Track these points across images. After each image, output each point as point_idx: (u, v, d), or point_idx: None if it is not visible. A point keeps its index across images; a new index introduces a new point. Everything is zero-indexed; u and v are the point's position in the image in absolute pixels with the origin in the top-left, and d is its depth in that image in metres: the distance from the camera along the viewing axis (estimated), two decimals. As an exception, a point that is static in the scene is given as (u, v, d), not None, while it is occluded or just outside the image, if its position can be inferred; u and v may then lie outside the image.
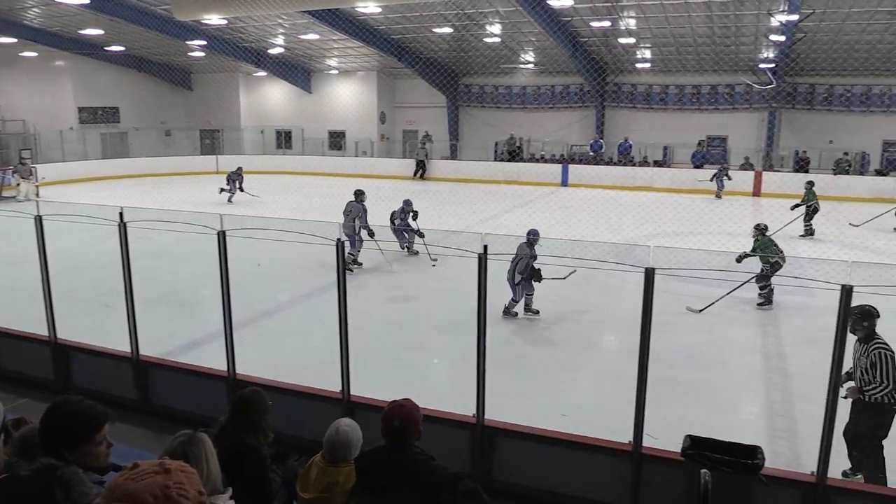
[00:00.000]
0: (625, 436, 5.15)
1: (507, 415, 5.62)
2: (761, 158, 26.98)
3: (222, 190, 21.55)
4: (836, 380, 4.60)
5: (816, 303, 10.00)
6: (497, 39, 26.46)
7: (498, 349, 6.97)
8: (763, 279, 10.47)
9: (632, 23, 23.64)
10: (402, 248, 13.92)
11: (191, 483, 1.64)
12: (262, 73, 33.39)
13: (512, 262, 9.52)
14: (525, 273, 9.57)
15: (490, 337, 5.38)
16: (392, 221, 13.49)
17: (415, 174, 28.68)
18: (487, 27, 25.16)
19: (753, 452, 4.71)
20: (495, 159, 30.09)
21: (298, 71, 33.98)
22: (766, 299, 10.55)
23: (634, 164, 27.79)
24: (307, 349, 8.47)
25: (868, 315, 5.44)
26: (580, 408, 7.05)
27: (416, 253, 13.76)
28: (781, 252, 10.26)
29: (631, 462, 5.10)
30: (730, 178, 23.55)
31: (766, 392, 7.77)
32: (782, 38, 22.26)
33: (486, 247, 5.08)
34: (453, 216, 15.36)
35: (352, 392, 5.89)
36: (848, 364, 5.24)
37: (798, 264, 10.32)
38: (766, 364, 8.49)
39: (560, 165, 27.66)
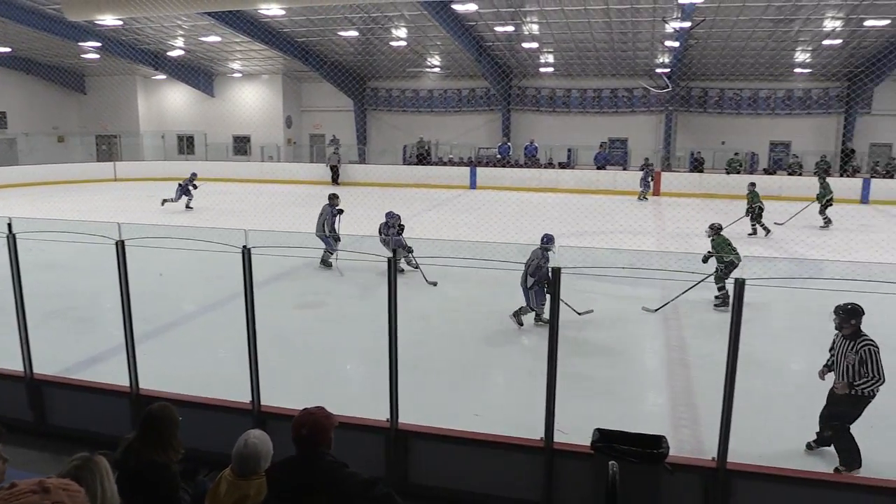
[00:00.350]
0: (537, 432, 5.24)
1: (422, 417, 5.63)
2: (660, 159, 28.09)
3: (165, 201, 20.81)
4: (732, 369, 4.82)
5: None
6: (403, 43, 26.51)
7: (411, 352, 6.97)
8: (720, 280, 10.53)
9: (535, 28, 24.17)
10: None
11: (74, 502, 1.56)
12: (162, 76, 32.27)
13: (525, 266, 9.36)
14: (537, 277, 9.25)
15: (403, 340, 5.37)
16: (381, 233, 12.44)
17: (333, 180, 28.30)
18: (393, 31, 25.17)
19: (658, 442, 4.88)
20: (404, 163, 30.14)
21: (200, 74, 33.03)
22: (723, 300, 10.56)
23: (540, 166, 28.42)
24: (215, 360, 8.24)
25: (854, 313, 5.74)
26: (493, 406, 7.13)
27: (417, 267, 12.16)
28: (736, 251, 10.49)
29: (543, 458, 5.19)
30: (653, 179, 24.37)
31: (669, 383, 8.07)
32: (676, 44, 23.22)
33: (395, 251, 5.07)
34: (364, 220, 15.18)
35: (262, 402, 5.76)
36: (816, 356, 5.60)
37: (696, 259, 10.75)
38: (670, 356, 8.82)
39: (468, 168, 27.99)
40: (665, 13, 20.82)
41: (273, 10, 20.34)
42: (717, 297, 10.67)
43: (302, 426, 3.37)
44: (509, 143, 29.74)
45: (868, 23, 21.00)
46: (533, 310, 9.58)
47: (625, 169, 28.26)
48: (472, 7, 20.40)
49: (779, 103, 28.78)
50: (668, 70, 26.56)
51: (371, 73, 32.23)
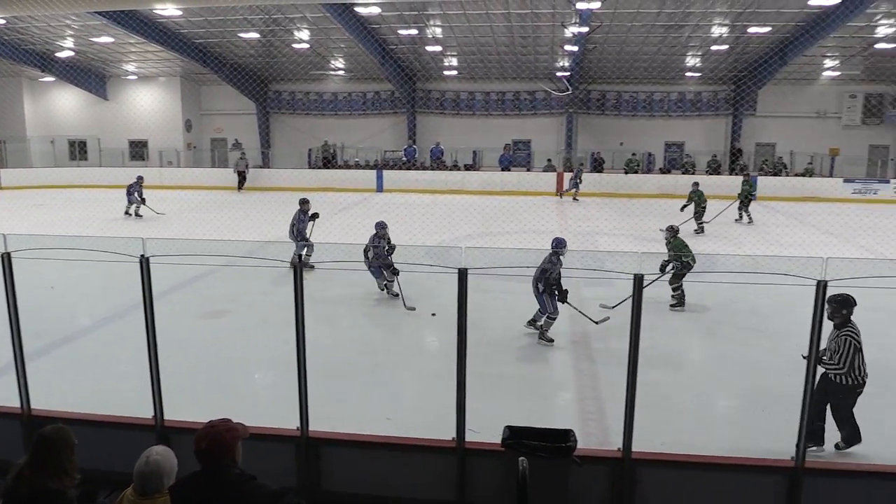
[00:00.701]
0: (449, 433, 5.28)
1: (333, 424, 5.58)
2: (562, 160, 28.82)
3: (128, 211, 19.98)
4: (634, 362, 5.00)
5: (615, 292, 10.79)
6: (306, 46, 26.19)
7: (321, 357, 6.89)
8: (675, 280, 10.57)
9: (438, 31, 24.36)
10: (381, 289, 11.25)
11: None
12: (50, 78, 30.63)
13: (536, 271, 9.17)
14: (542, 282, 8.97)
15: (312, 345, 5.31)
16: (366, 255, 10.87)
17: (239, 186, 27.53)
18: (296, 33, 24.82)
19: (567, 436, 5.01)
20: (309, 167, 29.75)
21: (92, 76, 31.55)
22: (679, 301, 10.68)
23: (446, 168, 28.64)
24: (115, 375, 7.90)
25: (846, 303, 5.95)
26: (404, 410, 7.14)
27: (396, 295, 10.94)
28: (691, 253, 10.56)
29: (455, 458, 5.24)
30: (580, 181, 24.81)
31: (576, 378, 8.29)
32: (575, 49, 23.90)
33: (300, 256, 5.00)
34: (268, 225, 14.93)
35: (166, 417, 5.56)
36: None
37: (597, 257, 11.07)
38: (576, 352, 9.06)
39: (374, 171, 27.90)
40: (564, 18, 21.39)
41: (169, 11, 19.67)
42: (673, 297, 10.71)
43: (202, 440, 3.27)
44: (415, 146, 29.86)
45: (751, 29, 22.24)
46: (547, 315, 9.23)
47: (528, 170, 28.89)
48: (376, 10, 20.37)
49: (672, 105, 30.09)
50: (568, 73, 27.29)
51: (274, 76, 31.64)
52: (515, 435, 5.01)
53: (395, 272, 10.51)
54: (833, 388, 6.01)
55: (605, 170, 28.24)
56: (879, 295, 9.82)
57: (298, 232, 12.98)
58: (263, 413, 5.64)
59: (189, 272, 12.17)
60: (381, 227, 11.00)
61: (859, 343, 5.92)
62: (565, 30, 21.99)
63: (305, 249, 12.65)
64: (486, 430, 5.48)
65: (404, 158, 29.36)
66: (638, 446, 5.13)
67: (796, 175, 27.79)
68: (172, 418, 5.60)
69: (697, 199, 18.11)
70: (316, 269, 11.59)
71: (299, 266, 5.04)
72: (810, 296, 4.75)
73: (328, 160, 29.45)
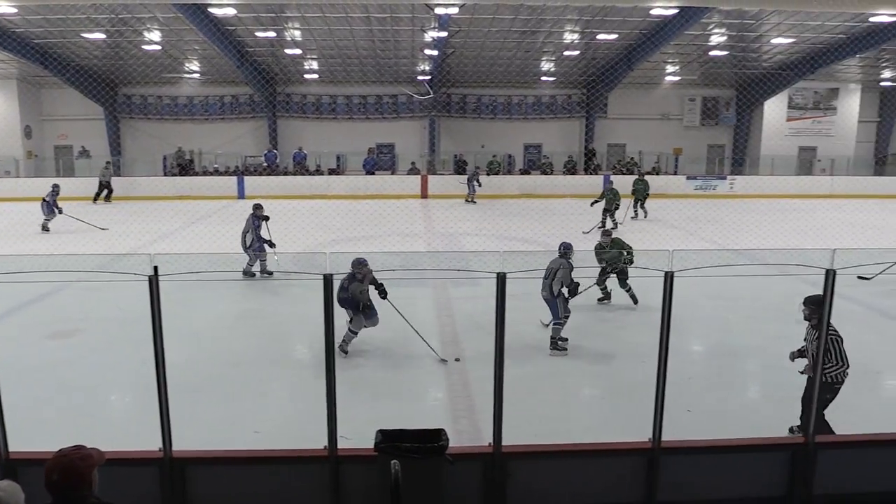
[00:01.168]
0: (321, 442, 5.21)
1: (200, 442, 5.36)
2: (426, 163, 29.16)
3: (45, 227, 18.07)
4: (500, 357, 5.13)
5: (481, 291, 11.04)
6: (157, 47, 24.98)
7: (183, 374, 6.61)
8: (623, 275, 10.67)
9: (297, 34, 23.97)
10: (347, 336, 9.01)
11: None
12: None
13: (545, 278, 9.07)
14: (562, 285, 8.94)
15: (172, 363, 5.07)
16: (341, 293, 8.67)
17: (96, 196, 25.32)
18: (146, 34, 23.61)
19: (438, 435, 5.08)
20: (164, 174, 28.43)
21: None
22: (607, 296, 11.04)
23: (310, 173, 28.24)
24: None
25: (822, 305, 5.93)
26: (274, 422, 6.98)
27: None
28: (630, 247, 10.71)
29: (328, 466, 5.18)
30: (479, 185, 24.91)
31: (446, 377, 8.41)
32: (435, 53, 24.24)
33: (156, 268, 4.77)
34: (121, 237, 14.16)
35: (11, 449, 5.13)
36: (788, 343, 6.18)
37: (462, 258, 11.29)
38: (445, 352, 9.18)
39: (235, 178, 27.05)
40: (423, 23, 21.64)
41: (3, 8, 18.14)
42: (630, 297, 10.95)
43: (53, 471, 3.05)
44: (276, 151, 29.23)
45: (600, 36, 23.45)
46: (560, 323, 9.13)
47: (393, 173, 29.01)
48: (231, 11, 19.76)
49: (529, 108, 31.18)
50: (429, 77, 27.63)
51: (123, 79, 29.92)
52: (388, 438, 5.02)
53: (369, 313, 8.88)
54: (822, 386, 6.15)
55: (467, 171, 28.83)
56: (720, 283, 10.66)
57: (257, 238, 12.51)
58: (122, 436, 5.34)
59: (33, 290, 11.34)
60: (358, 265, 8.75)
61: (841, 339, 6.21)
62: (425, 34, 22.26)
63: (256, 256, 12.16)
64: (358, 436, 5.46)
65: (265, 164, 28.66)
66: (509, 440, 5.28)
67: (646, 173, 29.44)
68: (18, 449, 5.18)
69: (612, 197, 18.88)
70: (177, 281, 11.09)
71: (155, 279, 4.80)
72: (661, 286, 5.09)
73: (184, 167, 28.24)
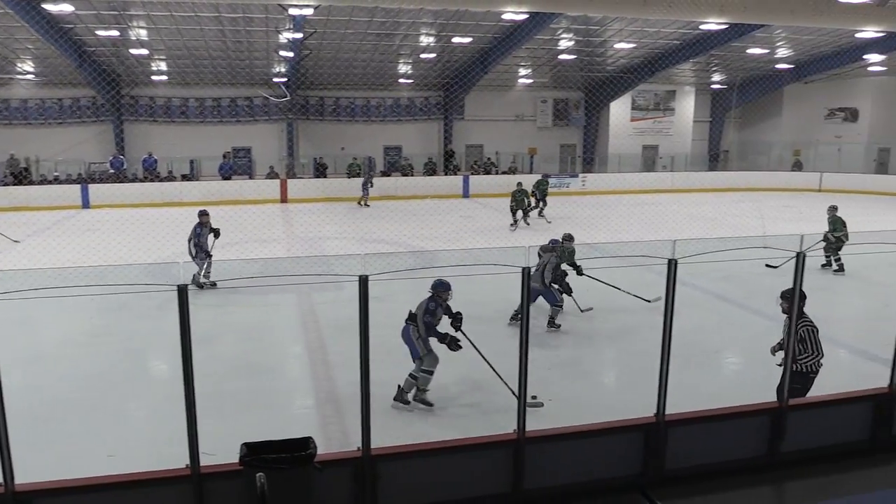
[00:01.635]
0: (182, 461, 4.99)
1: (48, 472, 4.97)
2: (284, 167, 28.57)
3: None
4: (365, 360, 5.12)
5: (345, 295, 10.98)
6: (-17, 46, 22.97)
7: (23, 400, 6.11)
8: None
9: (143, 33, 22.73)
10: None
11: None
12: None
13: (536, 269, 9.70)
14: (549, 277, 9.84)
15: (10, 388, 4.67)
16: None
17: None
18: (-31, 32, 21.65)
19: (306, 444, 4.99)
20: (-2, 184, 26.19)
21: None
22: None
23: (161, 180, 26.93)
24: None
25: (800, 297, 6.25)
26: (130, 444, 6.61)
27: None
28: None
29: (191, 485, 4.96)
30: (372, 185, 24.58)
31: (314, 384, 8.30)
32: (291, 54, 23.81)
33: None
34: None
35: None
36: (770, 335, 6.24)
37: (325, 262, 11.18)
38: (312, 358, 9.06)
39: (79, 186, 25.32)
40: (278, 24, 21.19)
41: None
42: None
43: None
44: (122, 157, 27.62)
45: (455, 39, 23.90)
46: (559, 306, 10.00)
47: (251, 178, 28.21)
48: (69, 8, 18.46)
49: (388, 111, 31.29)
50: (285, 79, 27.10)
51: (-57, 80, 27.28)
52: (253, 451, 4.89)
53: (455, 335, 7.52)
54: (796, 377, 6.44)
55: (328, 175, 28.56)
56: (572, 276, 11.16)
57: (197, 245, 12.08)
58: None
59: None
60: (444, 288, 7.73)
61: (816, 329, 6.51)
62: (280, 35, 21.81)
63: (205, 265, 11.48)
64: (223, 451, 5.27)
65: (112, 171, 27.03)
66: (379, 442, 5.28)
67: (503, 173, 30.41)
68: None
69: (521, 198, 19.65)
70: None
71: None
72: (517, 281, 5.28)
73: (19, 176, 26.10)
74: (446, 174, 29.63)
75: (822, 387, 6.63)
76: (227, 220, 17.44)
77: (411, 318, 7.57)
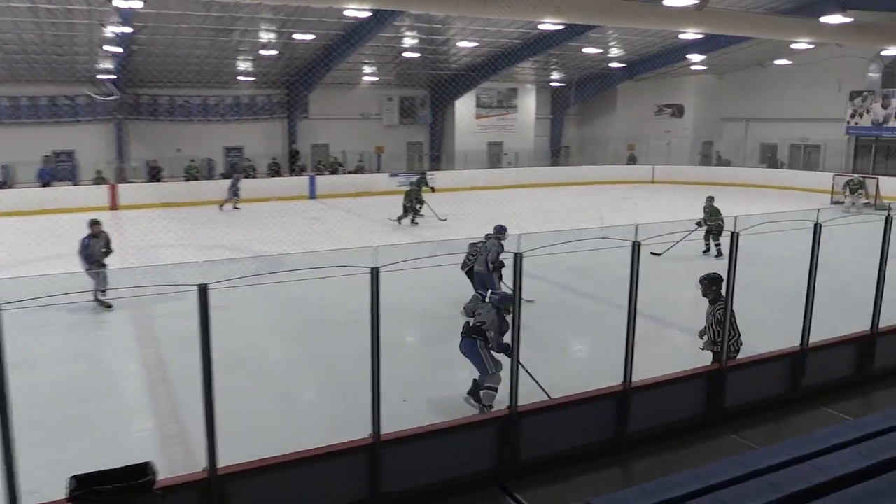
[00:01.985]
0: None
1: None
2: (114, 171, 26.68)
3: None
4: (208, 374, 4.80)
5: (186, 306, 10.34)
6: None
7: None
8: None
9: (-60, 25, 20.42)
10: None
11: None
12: None
13: (480, 254, 10.36)
14: (496, 264, 10.22)
15: None
16: None
17: None
18: None
19: (143, 471, 4.57)
20: None
21: None
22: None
23: (-32, 188, 24.28)
24: None
25: (715, 280, 6.82)
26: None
27: None
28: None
29: (10, 530, 4.43)
30: (240, 188, 23.86)
31: (154, 404, 7.73)
32: (119, 50, 22.29)
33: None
34: None
35: None
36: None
37: (163, 271, 10.51)
38: (150, 376, 8.45)
39: None
40: (102, 17, 19.72)
41: None
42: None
43: None
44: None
45: (296, 36, 23.27)
46: (492, 291, 9.96)
47: (75, 184, 25.99)
48: None
49: (228, 110, 29.99)
50: (113, 76, 25.34)
51: None
52: (84, 484, 4.41)
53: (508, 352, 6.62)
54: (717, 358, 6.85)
55: (163, 179, 26.84)
56: (421, 274, 11.16)
57: (87, 257, 11.29)
58: None
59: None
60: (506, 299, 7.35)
61: (732, 313, 6.78)
62: (105, 29, 20.31)
63: (97, 280, 10.56)
64: (48, 488, 4.75)
65: None
66: (228, 459, 4.97)
67: (350, 172, 30.11)
68: None
69: (417, 197, 20.43)
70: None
71: None
72: (367, 283, 5.18)
73: None
74: (291, 175, 28.91)
75: (664, 367, 7.02)
76: (44, 232, 15.96)
77: (475, 331, 7.22)
